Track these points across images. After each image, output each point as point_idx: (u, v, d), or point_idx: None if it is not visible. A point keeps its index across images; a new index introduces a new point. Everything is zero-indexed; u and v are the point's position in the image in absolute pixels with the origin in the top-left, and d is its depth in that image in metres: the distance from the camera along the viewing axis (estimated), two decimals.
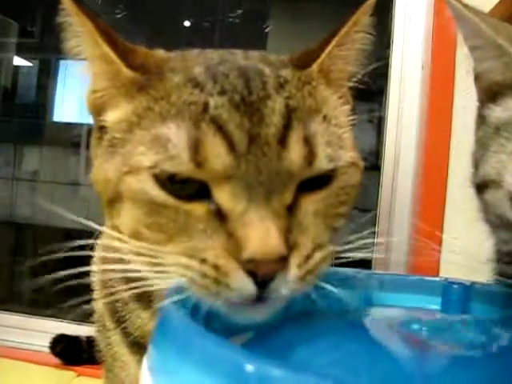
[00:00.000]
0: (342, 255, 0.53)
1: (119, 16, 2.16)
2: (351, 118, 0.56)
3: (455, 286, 0.60)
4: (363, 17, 0.55)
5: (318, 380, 0.31)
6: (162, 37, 2.85)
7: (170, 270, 0.47)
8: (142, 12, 2.58)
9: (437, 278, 0.63)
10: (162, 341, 0.41)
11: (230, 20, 2.74)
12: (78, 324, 1.41)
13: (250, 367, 0.33)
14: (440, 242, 1.02)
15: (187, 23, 3.05)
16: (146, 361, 0.41)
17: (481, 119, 0.54)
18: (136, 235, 0.50)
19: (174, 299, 0.43)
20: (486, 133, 0.52)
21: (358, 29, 0.55)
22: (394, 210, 1.27)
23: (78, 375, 1.32)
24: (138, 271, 0.50)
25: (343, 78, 0.57)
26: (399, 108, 1.28)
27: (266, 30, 2.45)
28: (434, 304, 0.61)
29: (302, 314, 0.52)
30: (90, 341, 1.20)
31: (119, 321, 0.62)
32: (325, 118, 0.51)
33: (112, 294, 0.58)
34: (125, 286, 0.55)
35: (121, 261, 0.54)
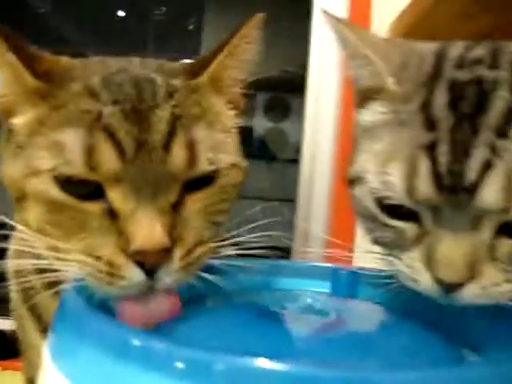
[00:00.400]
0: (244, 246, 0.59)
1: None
2: (237, 122, 0.62)
3: (343, 271, 0.67)
4: (252, 30, 0.61)
5: (190, 349, 0.37)
6: (94, 26, 2.82)
7: (71, 265, 0.52)
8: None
9: (328, 264, 0.70)
10: (60, 325, 0.45)
11: (163, 11, 2.74)
12: (2, 318, 1.42)
13: (135, 342, 0.38)
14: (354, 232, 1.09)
15: (121, 13, 3.02)
16: (48, 347, 0.45)
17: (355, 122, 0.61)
18: (41, 231, 0.54)
19: (71, 286, 0.49)
20: (358, 133, 0.59)
21: (247, 40, 0.61)
22: (312, 201, 1.34)
23: (4, 369, 1.32)
24: (48, 263, 0.55)
25: (232, 85, 0.62)
26: (316, 106, 1.35)
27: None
28: (324, 288, 0.68)
29: (199, 298, 0.58)
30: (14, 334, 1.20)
31: (33, 308, 0.66)
32: (208, 124, 0.56)
33: (24, 282, 0.62)
34: (36, 276, 0.59)
35: (32, 253, 0.58)
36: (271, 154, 2.95)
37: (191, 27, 2.75)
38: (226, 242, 0.58)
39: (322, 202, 1.31)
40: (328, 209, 1.31)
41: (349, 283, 0.67)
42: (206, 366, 0.36)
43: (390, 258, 0.56)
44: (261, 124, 2.99)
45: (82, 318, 0.43)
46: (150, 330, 0.50)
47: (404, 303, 0.60)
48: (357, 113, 0.60)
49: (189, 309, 0.55)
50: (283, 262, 0.71)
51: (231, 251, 0.58)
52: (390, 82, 0.55)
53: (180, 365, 0.36)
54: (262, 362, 0.35)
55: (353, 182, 0.57)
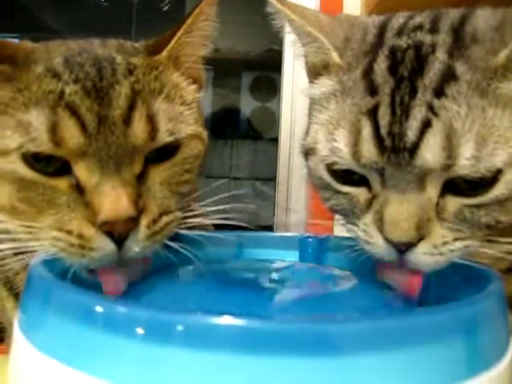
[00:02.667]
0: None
1: None
2: (197, 96, 0.65)
3: (310, 240, 0.70)
4: (208, 7, 0.63)
5: (149, 312, 0.39)
6: (76, 12, 2.79)
7: (44, 243, 0.55)
8: None
9: (295, 234, 0.72)
10: (27, 297, 0.47)
11: None
12: None
13: (98, 308, 0.40)
14: None
15: None
16: (17, 319, 0.47)
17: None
18: (12, 210, 0.56)
19: (39, 260, 0.51)
20: (310, 107, 0.61)
21: (203, 18, 0.63)
22: (292, 178, 1.36)
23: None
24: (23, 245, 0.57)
25: (192, 61, 0.65)
26: (293, 83, 1.36)
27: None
28: (293, 257, 0.71)
29: (169, 267, 0.60)
30: None
31: (12, 288, 0.69)
32: (168, 97, 0.59)
33: (3, 266, 0.64)
34: (14, 258, 0.61)
35: (8, 238, 0.60)
36: (258, 133, 2.95)
37: (173, 10, 2.73)
38: (192, 213, 0.61)
39: (301, 179, 1.34)
40: (307, 185, 1.33)
41: (316, 252, 0.70)
42: (165, 327, 0.37)
43: (349, 226, 0.58)
44: (247, 104, 2.99)
45: (46, 288, 0.45)
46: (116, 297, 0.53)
47: (369, 268, 0.62)
48: (309, 89, 0.62)
49: (157, 277, 0.57)
50: (253, 234, 0.74)
51: (198, 220, 0.61)
52: (335, 56, 0.57)
53: (141, 327, 0.38)
54: (219, 320, 0.36)
55: (307, 153, 0.60)
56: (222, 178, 2.59)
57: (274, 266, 0.66)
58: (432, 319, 0.40)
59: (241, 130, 3.03)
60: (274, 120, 2.90)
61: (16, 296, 0.69)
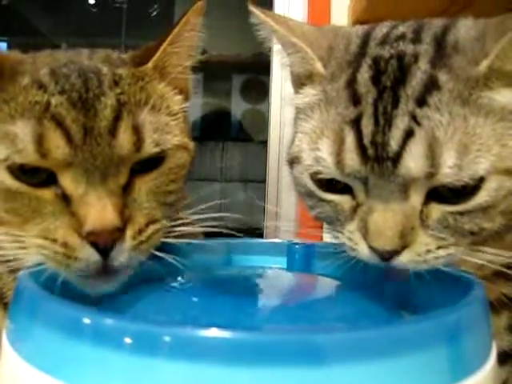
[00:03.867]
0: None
1: None
2: (184, 106, 0.65)
3: (297, 246, 0.71)
4: (194, 17, 0.63)
5: (136, 324, 0.39)
6: (66, 16, 2.79)
7: (31, 250, 0.55)
8: None
9: (283, 240, 0.73)
10: (15, 308, 0.47)
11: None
12: None
13: (85, 320, 0.40)
14: None
15: (92, 0, 2.99)
16: (5, 331, 0.47)
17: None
18: None
19: (28, 271, 0.51)
20: (295, 116, 0.62)
21: (189, 28, 0.64)
22: (281, 181, 1.36)
23: None
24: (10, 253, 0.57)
25: (178, 71, 0.65)
26: (282, 87, 1.36)
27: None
28: (281, 263, 0.71)
29: (157, 279, 0.60)
30: None
31: (1, 298, 0.69)
32: (154, 108, 0.59)
33: None
34: (3, 266, 0.61)
35: None
36: (249, 135, 2.96)
37: (162, 14, 2.74)
38: (179, 222, 0.61)
39: (290, 182, 1.34)
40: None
41: (303, 258, 0.70)
42: (152, 339, 0.37)
43: (334, 232, 0.59)
44: (238, 106, 3.00)
45: (33, 299, 0.45)
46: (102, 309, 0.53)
47: (355, 274, 0.62)
48: (294, 99, 0.62)
49: (144, 287, 0.57)
50: (240, 241, 0.74)
51: (186, 228, 0.61)
52: (319, 66, 0.58)
53: (128, 339, 0.38)
54: (205, 332, 0.36)
55: (292, 162, 0.60)
56: (213, 180, 2.59)
57: (261, 273, 0.67)
58: (416, 328, 0.40)
59: (232, 132, 3.03)
60: (264, 122, 2.90)
61: (5, 306, 0.69)
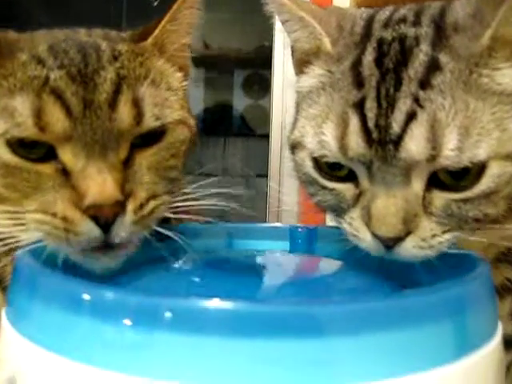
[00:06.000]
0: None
1: None
2: (184, 84, 0.65)
3: (300, 230, 0.70)
4: None
5: (136, 297, 0.39)
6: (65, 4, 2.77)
7: (30, 227, 0.55)
8: None
9: (285, 225, 0.73)
10: (15, 286, 0.47)
11: None
12: None
13: (84, 295, 0.39)
14: None
15: None
16: (5, 310, 0.46)
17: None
18: None
19: (26, 249, 0.51)
20: (298, 101, 0.61)
21: (187, 5, 0.64)
22: (283, 173, 1.36)
23: None
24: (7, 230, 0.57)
25: (176, 49, 0.65)
26: (284, 80, 1.36)
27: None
28: (284, 247, 0.70)
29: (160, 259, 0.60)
30: None
31: (0, 282, 0.68)
32: (153, 83, 0.59)
33: None
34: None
35: None
36: (251, 130, 2.96)
37: (164, 4, 2.73)
38: (180, 198, 0.60)
39: (292, 174, 1.33)
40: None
41: (306, 241, 0.70)
42: (153, 312, 0.37)
43: (337, 218, 0.59)
44: (240, 101, 3.00)
45: (32, 276, 0.45)
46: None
47: (358, 256, 0.62)
48: (296, 82, 0.62)
49: (147, 267, 0.57)
50: (243, 225, 0.74)
51: (184, 203, 0.60)
52: (327, 42, 0.57)
53: (129, 313, 0.38)
54: (207, 303, 0.36)
55: (294, 148, 0.60)
56: (215, 175, 2.58)
57: (264, 255, 0.67)
58: (421, 300, 0.40)
59: (234, 127, 3.03)
60: (266, 117, 2.90)
61: (4, 290, 0.69)
